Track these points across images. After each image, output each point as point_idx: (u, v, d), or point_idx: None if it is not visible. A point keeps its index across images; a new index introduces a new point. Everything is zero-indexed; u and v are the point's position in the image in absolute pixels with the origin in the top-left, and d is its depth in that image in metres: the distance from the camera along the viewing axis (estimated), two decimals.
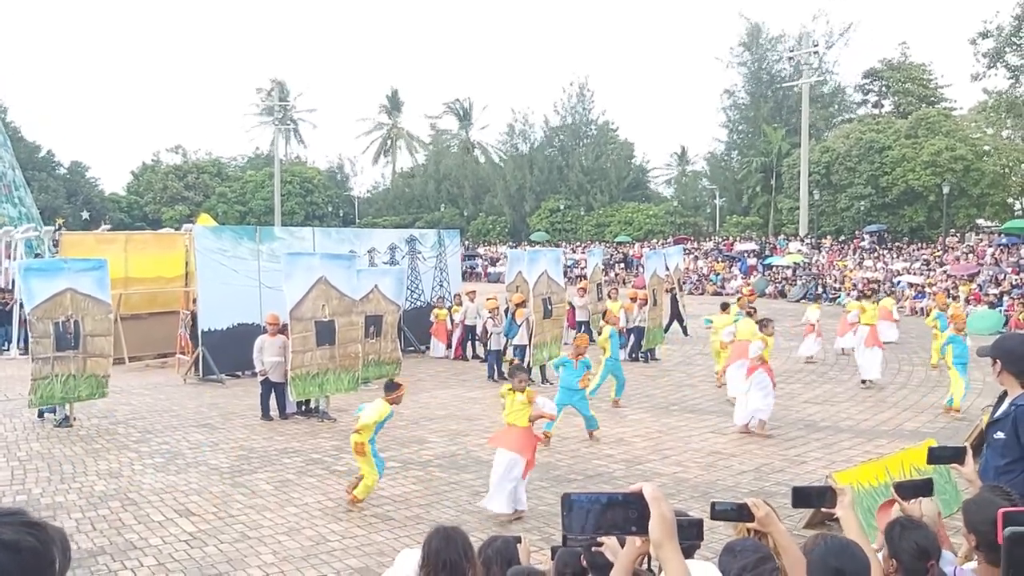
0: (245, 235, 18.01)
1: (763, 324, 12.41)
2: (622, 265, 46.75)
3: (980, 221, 44.49)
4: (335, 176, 79.56)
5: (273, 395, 13.29)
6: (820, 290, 34.31)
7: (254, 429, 12.54)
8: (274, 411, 13.24)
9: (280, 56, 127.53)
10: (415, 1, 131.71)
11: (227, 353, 16.67)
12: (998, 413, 4.68)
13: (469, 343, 19.96)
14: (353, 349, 13.68)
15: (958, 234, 40.88)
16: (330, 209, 75.75)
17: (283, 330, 13.23)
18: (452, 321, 20.15)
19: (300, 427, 12.72)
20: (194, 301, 17.40)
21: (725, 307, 16.99)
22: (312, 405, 13.50)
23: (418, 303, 21.28)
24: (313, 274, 13.14)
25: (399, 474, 9.88)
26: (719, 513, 2.69)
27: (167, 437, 11.97)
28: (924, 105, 48.78)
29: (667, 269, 23.13)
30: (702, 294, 37.94)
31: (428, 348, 20.45)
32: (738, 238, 50.32)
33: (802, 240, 44.83)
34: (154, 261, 20.53)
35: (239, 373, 17.03)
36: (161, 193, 70.33)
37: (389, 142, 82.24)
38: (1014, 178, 43.91)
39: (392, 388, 9.11)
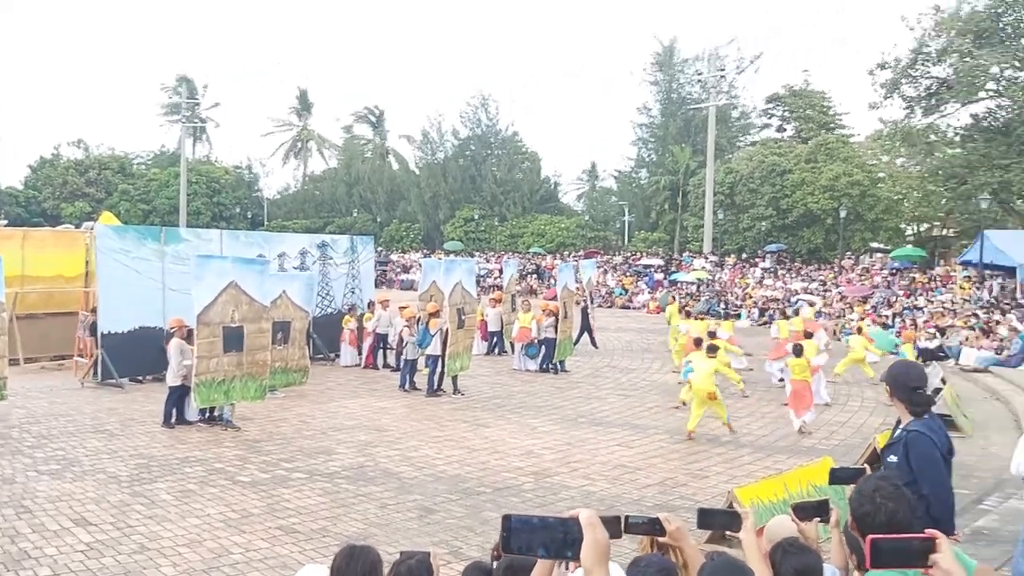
0: (149, 235, 17.50)
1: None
2: (535, 276, 47.16)
3: (874, 244, 46.50)
4: (243, 177, 77.87)
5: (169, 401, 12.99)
6: (722, 307, 35.32)
7: (155, 436, 12.19)
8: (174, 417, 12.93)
9: (187, 51, 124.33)
10: (324, 2, 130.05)
11: (128, 357, 16.17)
12: (892, 437, 4.99)
13: (381, 352, 19.82)
14: (262, 356, 13.44)
15: (853, 256, 42.66)
16: (238, 210, 74.07)
17: (188, 335, 12.94)
18: (363, 329, 19.97)
19: (203, 435, 12.42)
20: (94, 309, 16.82)
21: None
22: (216, 413, 13.20)
23: (328, 310, 21.03)
24: (224, 278, 12.87)
25: (305, 486, 9.76)
26: (632, 527, 2.77)
27: (63, 443, 11.53)
28: (824, 131, 50.73)
29: (578, 282, 23.49)
30: (611, 307, 38.58)
31: (337, 356, 20.23)
32: (645, 253, 51.43)
33: (706, 257, 46.04)
34: (53, 259, 19.78)
35: (140, 378, 16.54)
36: (61, 188, 67.68)
37: (299, 144, 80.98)
38: (907, 204, 46.05)
39: None
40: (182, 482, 9.81)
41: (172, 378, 12.95)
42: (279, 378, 15.27)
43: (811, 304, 28.71)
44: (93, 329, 16.58)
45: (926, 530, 2.22)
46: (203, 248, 17.67)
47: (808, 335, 15.67)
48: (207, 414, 13.19)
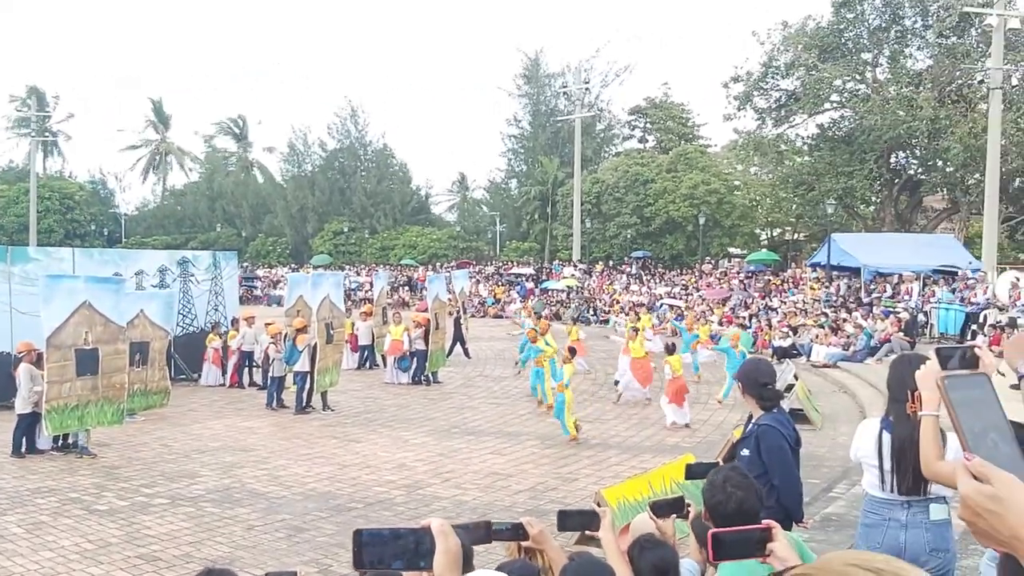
0: None
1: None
2: (407, 288, 46.92)
3: (732, 249, 48.64)
4: (98, 192, 74.12)
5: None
6: (592, 312, 36.12)
7: (2, 467, 11.47)
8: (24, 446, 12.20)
9: (33, 62, 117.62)
10: (173, 9, 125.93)
11: None
12: (744, 432, 5.24)
13: (246, 370, 19.26)
14: (119, 379, 12.84)
15: (712, 261, 44.47)
16: (93, 227, 70.48)
17: (38, 359, 12.24)
18: (227, 348, 19.36)
19: (56, 464, 11.77)
20: None
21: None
22: (70, 440, 12.52)
23: (191, 328, 20.28)
24: (76, 298, 12.23)
25: (167, 511, 9.39)
26: (496, 533, 2.81)
27: None
28: (683, 142, 52.76)
29: (451, 292, 23.54)
30: (483, 317, 38.79)
31: (198, 376, 19.50)
32: (517, 263, 52.04)
33: (575, 265, 46.98)
34: None
35: None
36: None
37: (158, 158, 77.81)
38: (760, 210, 48.43)
39: None
40: (33, 514, 9.27)
41: (21, 405, 12.21)
42: (138, 401, 14.64)
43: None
44: None
45: (763, 521, 2.37)
46: (54, 267, 16.74)
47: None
48: (60, 441, 12.50)
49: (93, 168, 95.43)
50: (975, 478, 1.32)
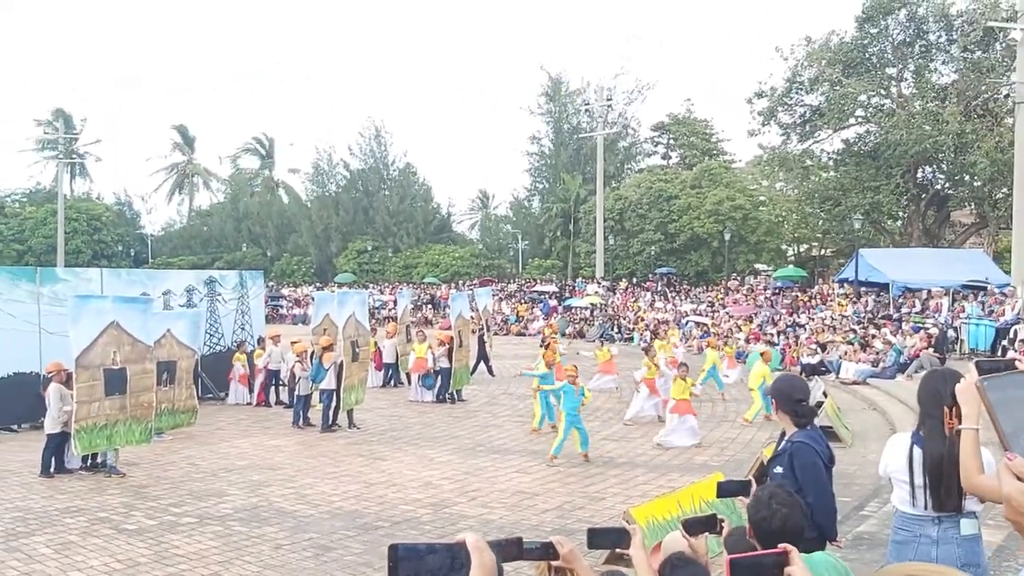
0: (23, 276, 16.69)
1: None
2: (430, 306, 47.01)
3: (758, 266, 48.33)
4: (124, 213, 75.02)
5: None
6: (616, 330, 35.98)
7: (32, 487, 11.56)
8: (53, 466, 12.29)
9: (61, 85, 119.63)
10: (204, 35, 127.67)
11: (0, 405, 15.32)
12: (777, 449, 5.17)
13: (272, 389, 19.34)
14: (146, 398, 12.92)
15: (738, 277, 44.20)
16: (120, 248, 71.30)
17: (67, 379, 12.35)
18: (254, 366, 19.46)
19: (85, 483, 11.86)
20: None
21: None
22: (99, 459, 12.61)
23: (218, 347, 20.43)
24: (104, 318, 12.34)
25: (195, 530, 9.41)
26: (526, 552, 2.79)
27: None
28: (707, 158, 52.61)
29: (474, 311, 23.54)
30: (507, 335, 38.76)
31: (225, 395, 19.61)
32: (539, 280, 52.00)
33: (599, 282, 46.88)
34: None
35: (14, 427, 15.69)
36: None
37: (184, 179, 78.71)
38: (786, 226, 48.12)
39: None
40: (63, 534, 9.32)
41: (51, 425, 12.31)
42: (166, 420, 14.71)
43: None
44: None
45: (779, 545, 2.34)
46: (82, 288, 16.96)
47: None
48: (89, 461, 12.59)
49: (118, 189, 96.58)
50: (1018, 478, 1.28)
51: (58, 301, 15.94)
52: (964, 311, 24.44)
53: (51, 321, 15.91)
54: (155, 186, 77.78)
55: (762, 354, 17.55)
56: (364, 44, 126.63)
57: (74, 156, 72.20)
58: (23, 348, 15.76)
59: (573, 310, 41.28)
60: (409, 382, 20.50)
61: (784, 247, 50.38)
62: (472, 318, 22.95)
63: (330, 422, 15.75)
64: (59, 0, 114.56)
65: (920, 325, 23.54)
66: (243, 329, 21.35)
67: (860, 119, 40.35)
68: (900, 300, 28.11)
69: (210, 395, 19.21)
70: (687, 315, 35.62)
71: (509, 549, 2.56)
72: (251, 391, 19.41)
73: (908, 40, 38.36)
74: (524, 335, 38.94)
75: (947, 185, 40.34)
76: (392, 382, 21.97)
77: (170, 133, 77.23)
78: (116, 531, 9.44)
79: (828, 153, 42.56)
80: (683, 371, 15.08)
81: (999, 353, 20.38)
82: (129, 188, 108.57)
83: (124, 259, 68.93)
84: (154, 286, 19.14)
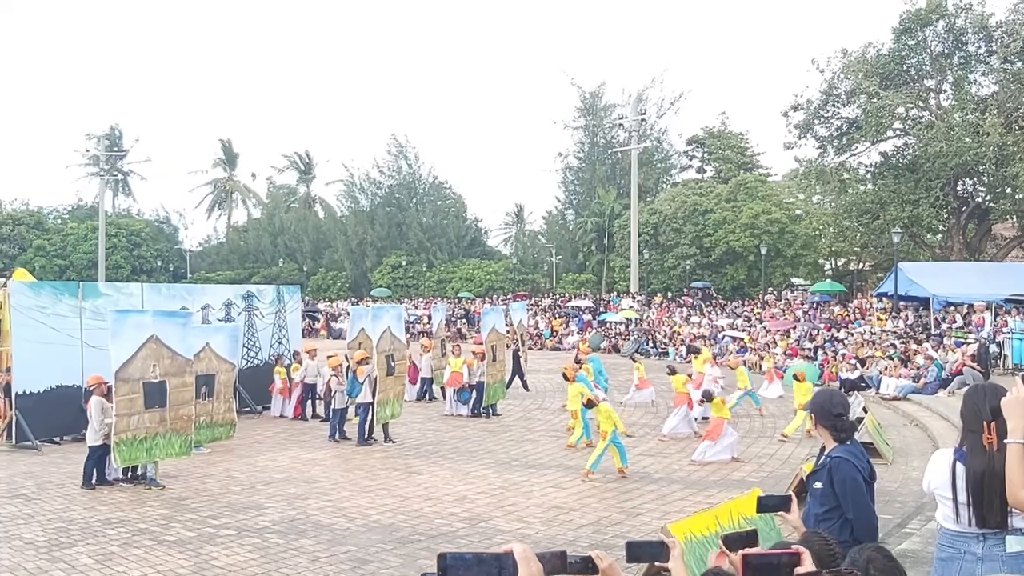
0: (66, 291, 16.98)
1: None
2: (464, 321, 47.12)
3: (795, 279, 47.85)
4: (163, 229, 76.30)
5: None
6: (651, 345, 35.80)
7: (74, 499, 11.73)
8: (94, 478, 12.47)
9: (101, 105, 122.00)
10: (249, 53, 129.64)
11: (44, 417, 15.59)
12: (817, 464, 5.11)
13: (309, 402, 19.48)
14: (186, 411, 13.07)
15: (775, 292, 43.77)
16: (159, 263, 72.51)
17: (108, 392, 12.53)
18: (291, 380, 19.61)
19: (125, 495, 12.00)
20: (8, 369, 16.17)
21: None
22: (139, 471, 12.77)
23: (255, 361, 20.64)
24: (143, 332, 12.52)
25: (233, 542, 9.49)
26: (568, 566, 2.80)
27: None
28: (742, 171, 52.32)
29: (509, 324, 23.54)
30: (540, 349, 38.72)
31: (263, 409, 19.78)
32: (574, 295, 51.93)
33: (633, 297, 46.70)
34: None
35: (57, 439, 15.94)
36: None
37: (224, 195, 79.95)
38: (824, 240, 47.61)
39: None
40: (104, 545, 9.44)
41: (93, 437, 12.50)
42: (205, 433, 14.86)
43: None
44: (7, 390, 15.97)
45: (792, 546, 2.41)
46: (123, 302, 17.24)
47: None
48: (129, 473, 12.76)
49: (157, 205, 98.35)
50: None
51: (100, 315, 16.20)
52: (1007, 326, 24.00)
53: (93, 335, 16.18)
54: (195, 202, 79.35)
55: (795, 375, 17.30)
56: (397, 61, 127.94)
57: (117, 173, 73.62)
58: (66, 361, 16.02)
59: (608, 324, 41.15)
60: (444, 396, 20.55)
61: (821, 261, 49.85)
62: (508, 332, 22.95)
63: (366, 436, 15.82)
64: (108, 18, 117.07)
65: (962, 340, 23.16)
66: (280, 343, 21.55)
67: (898, 131, 39.86)
68: (941, 315, 27.67)
69: (248, 408, 19.40)
70: (723, 330, 35.34)
71: (553, 561, 2.57)
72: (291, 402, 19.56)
73: (947, 52, 37.85)
74: (559, 349, 38.86)
75: (988, 198, 39.67)
76: (426, 396, 22.04)
77: (214, 147, 78.62)
78: (156, 542, 9.54)
79: (866, 166, 42.07)
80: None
81: None
82: (167, 203, 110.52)
83: (163, 274, 70.16)
84: (193, 300, 19.40)
